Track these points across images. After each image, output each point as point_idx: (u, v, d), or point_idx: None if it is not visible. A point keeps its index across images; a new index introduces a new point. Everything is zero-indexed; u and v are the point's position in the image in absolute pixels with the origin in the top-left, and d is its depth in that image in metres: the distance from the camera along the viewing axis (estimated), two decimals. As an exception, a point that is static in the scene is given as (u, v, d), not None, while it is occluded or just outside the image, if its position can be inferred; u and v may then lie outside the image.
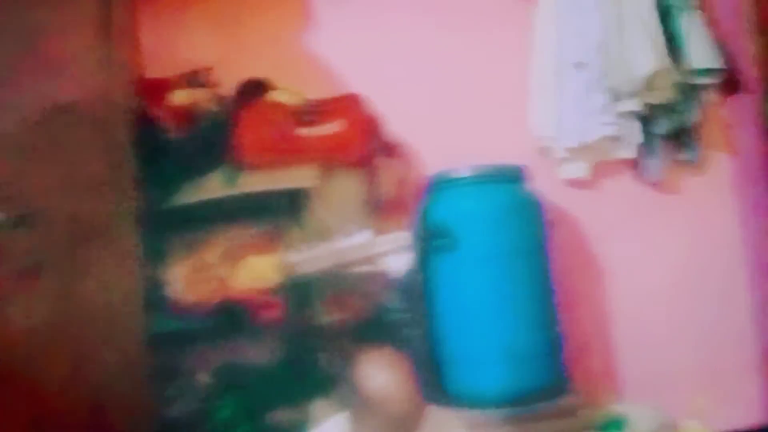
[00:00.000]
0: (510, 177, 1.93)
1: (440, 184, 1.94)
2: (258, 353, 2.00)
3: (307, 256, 1.89)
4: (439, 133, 2.19)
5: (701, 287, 2.22)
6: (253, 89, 2.10)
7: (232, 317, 1.88)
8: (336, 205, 1.97)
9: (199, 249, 1.96)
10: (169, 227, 1.94)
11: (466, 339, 1.80)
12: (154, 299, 1.84)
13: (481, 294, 1.81)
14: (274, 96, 2.08)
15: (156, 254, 1.90)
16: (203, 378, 1.97)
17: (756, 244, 2.20)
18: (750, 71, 2.17)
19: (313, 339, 1.87)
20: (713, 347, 2.19)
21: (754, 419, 2.17)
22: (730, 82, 2.23)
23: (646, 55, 2.10)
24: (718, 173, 2.26)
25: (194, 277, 1.93)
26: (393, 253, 1.90)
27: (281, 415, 1.85)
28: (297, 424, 1.80)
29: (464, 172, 1.91)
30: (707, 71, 2.17)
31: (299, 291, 1.89)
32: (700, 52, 2.16)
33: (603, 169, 2.25)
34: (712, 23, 2.22)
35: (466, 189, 1.89)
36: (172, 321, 1.89)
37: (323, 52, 2.26)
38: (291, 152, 1.96)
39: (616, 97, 2.14)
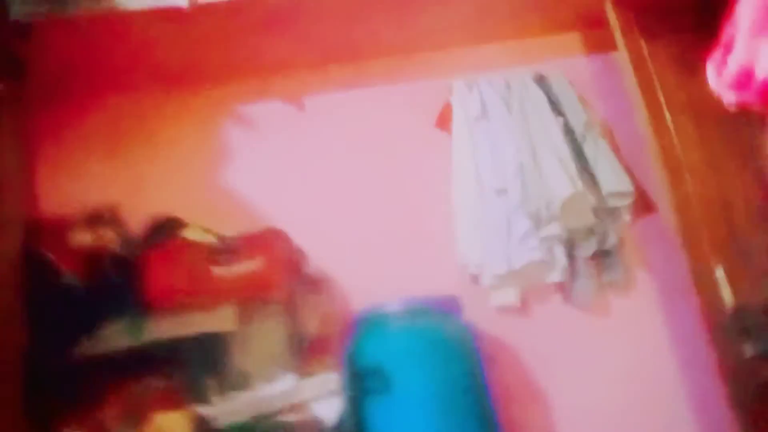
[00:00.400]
0: (442, 311, 1.84)
1: (369, 322, 1.82)
2: None
3: (225, 409, 1.68)
4: (365, 266, 2.12)
5: (643, 411, 2.14)
6: (163, 228, 1.96)
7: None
8: (256, 349, 1.80)
9: (93, 409, 1.71)
10: (61, 387, 1.69)
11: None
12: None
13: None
14: (186, 234, 1.95)
15: (43, 419, 1.64)
16: None
17: (689, 361, 2.18)
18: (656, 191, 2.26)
19: None
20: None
21: None
22: (641, 202, 2.31)
23: (561, 180, 2.15)
24: (643, 292, 2.26)
25: (89, 444, 1.66)
26: (321, 399, 1.72)
27: None
28: None
29: (394, 309, 1.80)
30: (619, 193, 2.23)
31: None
32: (611, 176, 2.24)
33: (533, 295, 2.22)
34: (616, 148, 2.33)
35: (397, 326, 1.78)
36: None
37: (237, 185, 2.19)
38: (206, 294, 1.80)
39: (538, 222, 2.15)
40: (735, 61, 1.60)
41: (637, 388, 2.16)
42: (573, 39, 2.48)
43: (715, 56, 1.70)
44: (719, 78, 1.68)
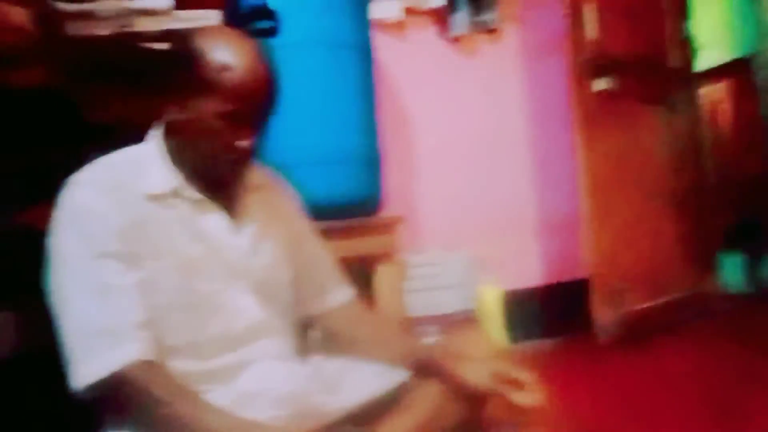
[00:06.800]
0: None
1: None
2: None
3: (84, 12, 1.44)
4: None
5: (490, 147, 2.30)
6: None
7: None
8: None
9: None
10: None
11: (286, 138, 1.53)
12: None
13: (304, 86, 1.57)
14: None
15: None
16: None
17: (539, 114, 2.36)
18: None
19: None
20: (499, 207, 2.28)
21: (535, 279, 2.31)
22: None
23: None
24: (510, 42, 2.35)
25: None
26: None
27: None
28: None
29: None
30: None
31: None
32: None
33: (411, 21, 2.21)
34: None
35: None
36: None
37: None
38: None
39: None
40: None
41: (490, 121, 2.30)
42: None
43: None
44: None
